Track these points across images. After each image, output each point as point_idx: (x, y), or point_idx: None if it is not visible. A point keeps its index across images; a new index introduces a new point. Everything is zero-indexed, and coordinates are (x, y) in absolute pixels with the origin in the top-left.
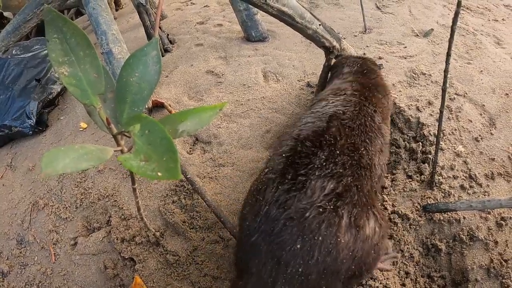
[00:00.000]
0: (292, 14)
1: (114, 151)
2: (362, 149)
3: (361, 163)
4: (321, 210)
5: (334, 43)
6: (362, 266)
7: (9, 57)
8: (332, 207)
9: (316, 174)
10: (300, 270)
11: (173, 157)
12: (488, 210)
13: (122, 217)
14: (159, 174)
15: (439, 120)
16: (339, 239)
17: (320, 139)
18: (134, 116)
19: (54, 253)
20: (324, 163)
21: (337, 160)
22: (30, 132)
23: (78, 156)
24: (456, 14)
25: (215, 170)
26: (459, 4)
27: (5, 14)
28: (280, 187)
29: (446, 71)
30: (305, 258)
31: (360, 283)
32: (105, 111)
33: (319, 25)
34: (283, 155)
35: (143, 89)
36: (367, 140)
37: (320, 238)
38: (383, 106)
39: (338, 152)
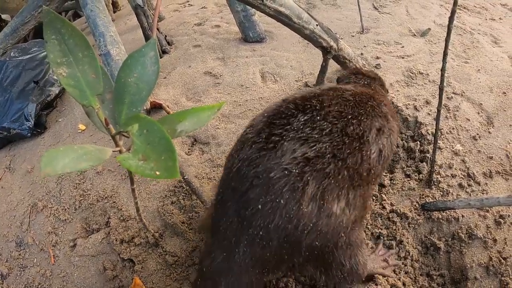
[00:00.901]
0: (289, 15)
1: (113, 151)
2: (351, 117)
3: (346, 131)
4: (286, 172)
5: (332, 43)
6: (329, 245)
7: (7, 59)
8: (298, 171)
9: (290, 136)
10: (261, 233)
11: (172, 156)
12: (487, 208)
13: (121, 218)
14: (158, 173)
15: (437, 119)
16: (301, 207)
17: (305, 102)
18: (132, 116)
19: (53, 255)
20: (301, 126)
21: (315, 125)
22: (29, 134)
23: (77, 156)
24: (453, 13)
25: (213, 171)
26: (455, 3)
27: (3, 16)
28: (253, 145)
29: (443, 70)
30: (266, 220)
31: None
32: (103, 112)
33: (316, 25)
34: (265, 114)
35: (141, 90)
36: (362, 112)
37: (282, 202)
38: (391, 108)
39: (319, 117)
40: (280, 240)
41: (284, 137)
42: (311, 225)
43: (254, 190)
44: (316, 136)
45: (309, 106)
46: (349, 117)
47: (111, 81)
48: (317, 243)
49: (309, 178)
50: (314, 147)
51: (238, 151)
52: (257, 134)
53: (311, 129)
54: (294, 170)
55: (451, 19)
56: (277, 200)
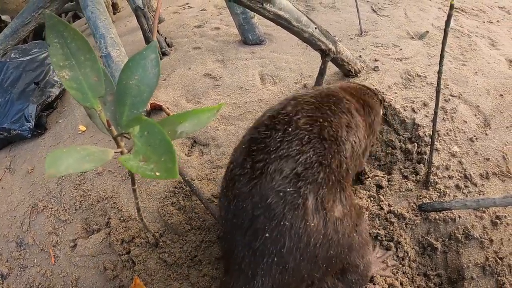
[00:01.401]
0: (288, 18)
1: (115, 152)
2: (322, 120)
3: (322, 135)
4: (281, 194)
5: (330, 45)
6: (343, 250)
7: (8, 60)
8: (292, 189)
9: (272, 157)
10: (276, 259)
11: (172, 158)
12: (483, 208)
13: (121, 218)
14: (158, 173)
15: (434, 121)
16: (307, 222)
17: (274, 121)
18: (134, 118)
19: (54, 255)
20: (279, 144)
21: (292, 137)
22: (29, 135)
23: (80, 157)
24: (449, 16)
25: (213, 172)
26: (451, 7)
27: (3, 17)
28: (242, 179)
29: (439, 72)
30: (277, 246)
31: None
32: (105, 114)
33: (315, 28)
34: (243, 146)
35: (143, 92)
36: (328, 112)
37: (287, 223)
38: (357, 103)
39: (292, 128)
40: (296, 260)
41: (267, 160)
42: (321, 236)
43: (257, 220)
44: (297, 148)
45: (278, 121)
46: (320, 120)
47: (112, 83)
48: (332, 252)
49: (305, 192)
50: (299, 160)
51: (230, 189)
52: (241, 167)
53: (289, 143)
54: (289, 189)
55: (447, 22)
56: (282, 223)
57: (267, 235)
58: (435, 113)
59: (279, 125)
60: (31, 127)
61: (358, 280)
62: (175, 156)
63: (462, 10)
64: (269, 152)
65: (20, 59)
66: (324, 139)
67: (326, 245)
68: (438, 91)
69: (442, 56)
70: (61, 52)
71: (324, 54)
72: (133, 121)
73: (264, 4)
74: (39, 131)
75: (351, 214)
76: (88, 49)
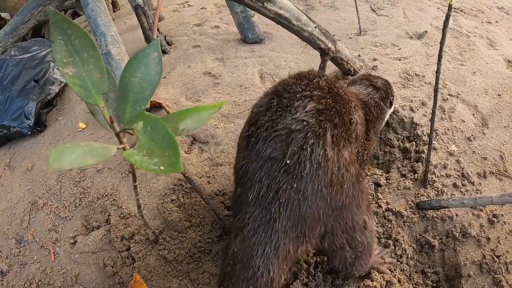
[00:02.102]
0: (288, 17)
1: (117, 148)
2: (338, 85)
3: (339, 92)
4: (305, 123)
5: (330, 45)
6: (353, 194)
7: (8, 58)
8: (314, 120)
9: (298, 96)
10: (295, 186)
11: (175, 152)
12: (480, 207)
13: (121, 215)
14: (162, 168)
15: (431, 120)
16: (326, 151)
17: (301, 75)
18: (137, 114)
19: (54, 252)
20: (304, 88)
21: (315, 86)
22: (29, 133)
23: (83, 152)
24: (447, 17)
25: (213, 170)
26: (450, 8)
27: (2, 15)
28: (267, 112)
29: (438, 72)
30: (298, 171)
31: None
32: (108, 110)
33: (315, 27)
34: (268, 92)
35: (145, 89)
36: (342, 90)
37: (308, 149)
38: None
39: (316, 82)
40: (314, 189)
41: (293, 98)
42: (336, 169)
43: (279, 147)
44: (319, 93)
45: (304, 76)
46: (337, 85)
47: (115, 80)
48: (345, 186)
49: (325, 125)
50: (321, 102)
51: (253, 124)
52: (267, 104)
53: (313, 89)
54: (311, 120)
55: (445, 23)
56: (304, 148)
57: (288, 160)
58: (433, 112)
59: (305, 78)
60: (30, 124)
61: (364, 249)
62: (179, 150)
63: (461, 10)
64: (295, 92)
65: (20, 57)
66: (340, 95)
67: (340, 178)
68: (436, 91)
69: (440, 56)
70: (65, 49)
71: (324, 53)
72: (136, 117)
73: (264, 3)
74: (39, 129)
75: (355, 166)
76: (91, 46)
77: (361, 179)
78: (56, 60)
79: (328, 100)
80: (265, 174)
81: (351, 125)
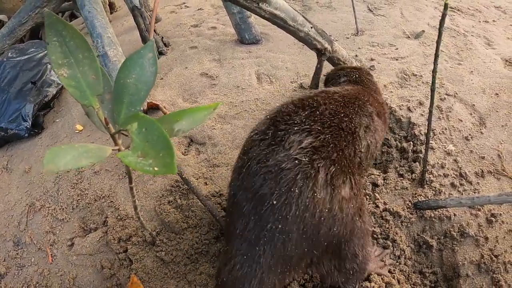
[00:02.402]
0: (284, 17)
1: (112, 150)
2: (343, 115)
3: (341, 125)
4: (297, 162)
5: (326, 45)
6: (345, 232)
7: (5, 59)
8: (307, 159)
9: (295, 129)
10: (280, 226)
11: (170, 153)
12: (478, 206)
13: (119, 217)
14: (156, 169)
15: (429, 119)
16: (315, 194)
17: (303, 102)
18: (132, 115)
19: (51, 254)
20: (304, 120)
21: (316, 118)
22: (26, 135)
23: (78, 154)
24: (443, 16)
25: (210, 171)
26: (446, 7)
27: (0, 17)
28: (261, 143)
29: (434, 71)
30: (283, 212)
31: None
32: (103, 112)
33: (311, 27)
34: (267, 117)
35: (140, 90)
36: (351, 110)
37: (296, 191)
38: (378, 106)
39: (318, 112)
40: (300, 231)
41: (290, 131)
42: (326, 211)
43: (267, 184)
44: (319, 128)
45: (307, 104)
46: (341, 115)
47: (110, 82)
48: (334, 229)
49: (319, 165)
50: (319, 138)
51: (246, 153)
52: (263, 133)
53: (313, 122)
54: (304, 159)
55: (441, 22)
56: (292, 190)
57: (274, 201)
58: (430, 112)
59: (307, 107)
60: (28, 126)
61: (356, 272)
62: (173, 151)
63: (458, 10)
64: (292, 125)
65: (17, 59)
66: (342, 129)
67: (329, 221)
68: (432, 90)
69: (436, 56)
70: (59, 50)
71: (320, 53)
72: (131, 118)
73: (260, 4)
74: (36, 131)
75: (357, 199)
76: (86, 48)
77: (360, 213)
78: (51, 61)
79: (326, 136)
80: (253, 210)
81: (355, 156)
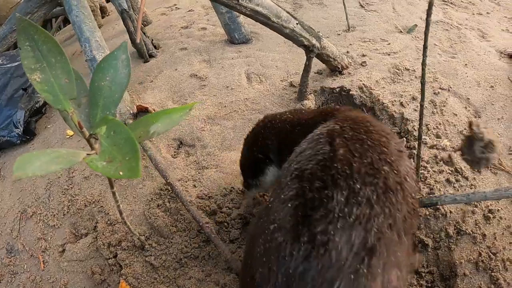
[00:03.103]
0: (267, 14)
1: (87, 154)
2: (383, 165)
3: (388, 185)
4: (352, 277)
5: (314, 41)
6: None
7: None
8: (365, 269)
9: (338, 226)
10: None
11: (135, 157)
12: (475, 203)
13: (108, 222)
14: (121, 173)
15: (420, 114)
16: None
17: (330, 172)
18: (102, 118)
19: (43, 261)
20: (344, 207)
21: (360, 195)
22: (18, 141)
23: (49, 159)
24: (430, 5)
25: (198, 173)
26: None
27: None
28: (295, 253)
29: (423, 64)
30: None
31: None
32: (79, 116)
33: (297, 23)
34: (289, 205)
35: (114, 93)
36: (385, 151)
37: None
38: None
39: (357, 183)
40: None
41: (332, 232)
42: None
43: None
44: (368, 211)
45: (337, 174)
46: (384, 166)
47: (86, 85)
48: None
49: (378, 270)
50: (373, 228)
51: (274, 262)
52: (294, 238)
53: (357, 205)
54: (361, 270)
55: (428, 12)
56: None
57: None
58: (421, 106)
59: (341, 180)
60: (20, 133)
61: None
62: (138, 155)
63: (451, 3)
64: (333, 221)
65: (8, 65)
66: (391, 191)
67: None
68: (423, 83)
69: (425, 47)
70: (32, 55)
71: (308, 50)
72: (101, 121)
73: (240, 1)
74: (28, 137)
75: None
76: (59, 51)
77: None
78: (24, 66)
79: (379, 219)
80: None
81: (410, 218)
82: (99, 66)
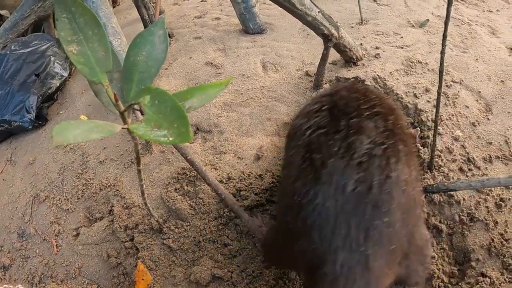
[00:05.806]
0: (292, 0)
1: (122, 127)
2: (381, 109)
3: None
4: (383, 147)
5: (333, 30)
6: (419, 215)
7: (8, 52)
8: (392, 142)
9: (364, 115)
10: (386, 219)
11: (184, 123)
12: (487, 190)
13: (125, 205)
14: (171, 138)
15: (437, 102)
16: (406, 176)
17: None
18: (143, 88)
19: (56, 245)
20: (364, 111)
21: (372, 106)
22: (30, 127)
23: (88, 128)
24: (449, 3)
25: (216, 158)
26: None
27: (2, 12)
28: (336, 135)
29: (442, 52)
30: (388, 203)
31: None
32: (112, 90)
33: (318, 12)
34: (322, 108)
35: (150, 67)
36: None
37: (394, 174)
38: None
39: (368, 103)
40: (399, 219)
41: (361, 117)
42: (413, 192)
43: (361, 178)
44: (381, 110)
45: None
46: (379, 107)
47: (119, 61)
48: (418, 211)
49: (399, 147)
50: (388, 120)
51: (317, 150)
52: (332, 124)
53: (371, 108)
54: (389, 142)
55: (449, 1)
56: (389, 176)
57: (375, 190)
58: (438, 94)
59: (354, 99)
60: (32, 118)
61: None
62: (187, 120)
63: (462, 0)
64: (359, 113)
65: (20, 51)
66: (395, 108)
67: (414, 203)
68: (441, 72)
69: (444, 36)
70: (69, 27)
71: (327, 39)
72: (143, 91)
73: None
74: (40, 123)
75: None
76: (96, 24)
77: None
78: (60, 38)
79: (390, 117)
80: (351, 213)
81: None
82: (134, 41)
